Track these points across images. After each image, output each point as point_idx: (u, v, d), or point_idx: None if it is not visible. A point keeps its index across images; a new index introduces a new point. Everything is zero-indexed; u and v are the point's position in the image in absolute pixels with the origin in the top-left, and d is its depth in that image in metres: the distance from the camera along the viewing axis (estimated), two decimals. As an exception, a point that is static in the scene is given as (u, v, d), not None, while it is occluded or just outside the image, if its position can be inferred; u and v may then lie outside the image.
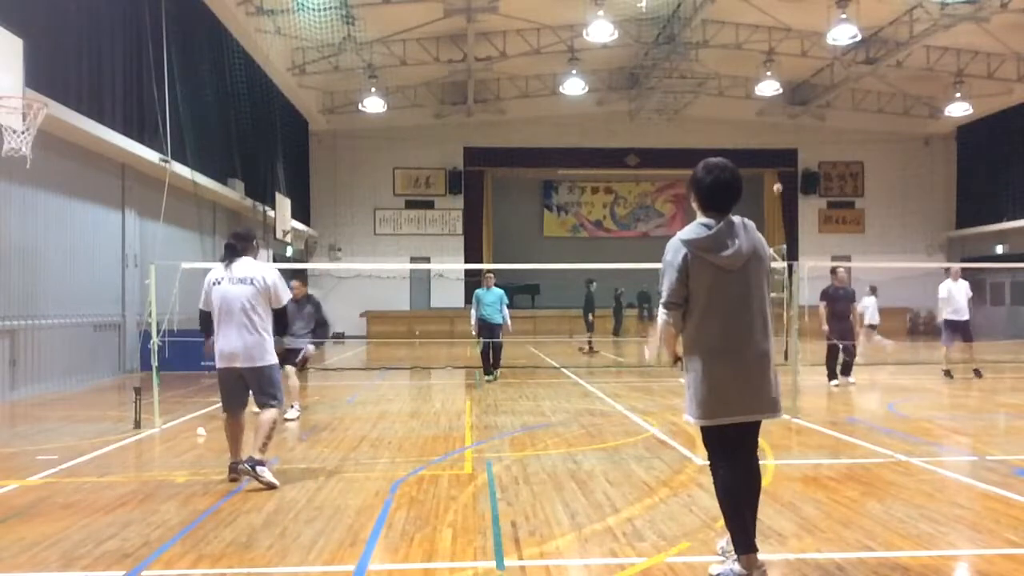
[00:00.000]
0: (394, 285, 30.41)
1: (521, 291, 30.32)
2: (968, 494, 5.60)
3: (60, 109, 11.60)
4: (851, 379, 12.34)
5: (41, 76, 11.09)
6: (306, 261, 29.45)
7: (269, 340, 6.14)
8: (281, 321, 6.33)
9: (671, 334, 3.93)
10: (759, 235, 3.99)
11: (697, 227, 3.89)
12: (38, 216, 12.49)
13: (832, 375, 12.43)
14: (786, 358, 15.67)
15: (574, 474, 6.30)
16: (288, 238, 24.23)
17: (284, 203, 23.85)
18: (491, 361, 13.58)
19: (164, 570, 4.15)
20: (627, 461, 6.66)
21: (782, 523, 4.89)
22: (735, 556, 3.83)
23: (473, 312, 13.58)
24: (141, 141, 14.83)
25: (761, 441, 7.56)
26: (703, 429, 3.96)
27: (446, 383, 13.87)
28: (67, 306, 13.18)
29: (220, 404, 6.35)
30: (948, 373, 13.57)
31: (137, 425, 8.55)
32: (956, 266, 14.53)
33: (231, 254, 6.21)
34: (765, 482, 5.96)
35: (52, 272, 12.79)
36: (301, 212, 27.42)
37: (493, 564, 4.18)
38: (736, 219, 3.93)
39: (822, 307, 12.41)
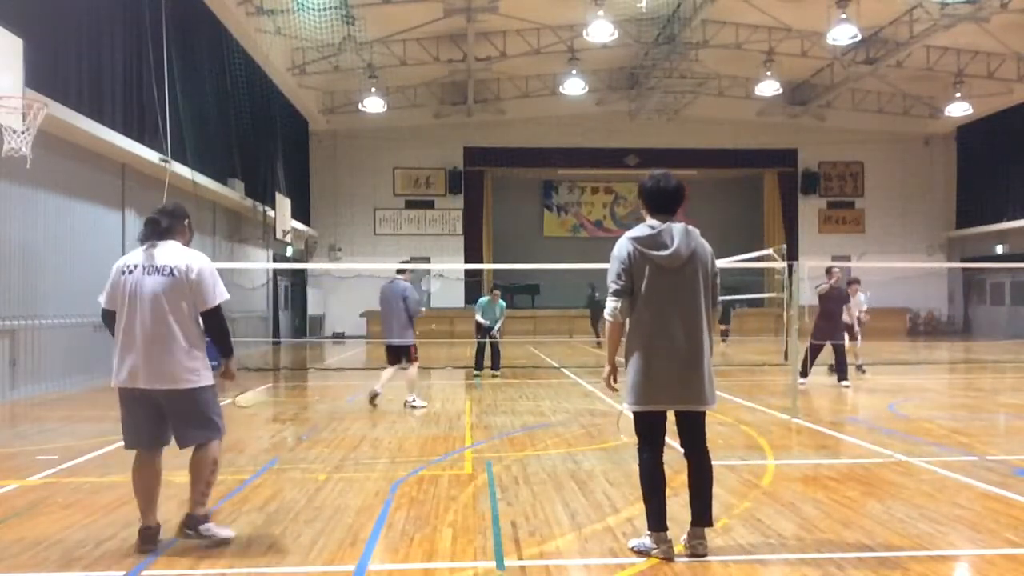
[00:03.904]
0: (394, 285, 30.35)
1: (521, 291, 30.34)
2: (968, 494, 5.60)
3: (60, 109, 11.61)
4: (847, 383, 12.09)
5: (41, 76, 11.09)
6: (306, 261, 29.47)
7: (197, 353, 4.52)
8: (215, 329, 4.62)
9: (616, 330, 4.35)
10: (703, 241, 4.40)
11: (643, 228, 4.36)
12: (38, 216, 12.49)
13: (804, 373, 12.05)
14: (786, 358, 15.70)
15: (574, 474, 6.30)
16: (288, 238, 24.24)
17: (284, 203, 23.86)
18: (492, 362, 14.70)
19: (164, 570, 4.15)
20: (627, 461, 6.64)
21: (782, 523, 4.89)
22: (648, 532, 4.32)
23: (478, 316, 14.75)
24: (141, 141, 14.83)
25: (761, 441, 7.63)
26: (635, 415, 4.36)
27: (446, 383, 13.87)
28: (67, 306, 13.17)
29: (124, 441, 4.68)
30: (860, 368, 14.20)
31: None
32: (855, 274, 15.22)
33: (153, 233, 4.58)
34: (765, 482, 5.99)
35: (52, 272, 12.79)
36: (301, 212, 27.43)
37: (493, 564, 4.18)
38: (680, 224, 4.35)
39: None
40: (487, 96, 28.83)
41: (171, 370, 4.43)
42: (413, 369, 10.55)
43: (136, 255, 4.59)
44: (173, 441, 4.69)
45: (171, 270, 4.49)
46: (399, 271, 10.74)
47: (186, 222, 4.77)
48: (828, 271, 12.63)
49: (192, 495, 4.58)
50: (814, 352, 12.23)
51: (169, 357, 4.43)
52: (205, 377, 4.56)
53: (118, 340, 4.52)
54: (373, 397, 10.36)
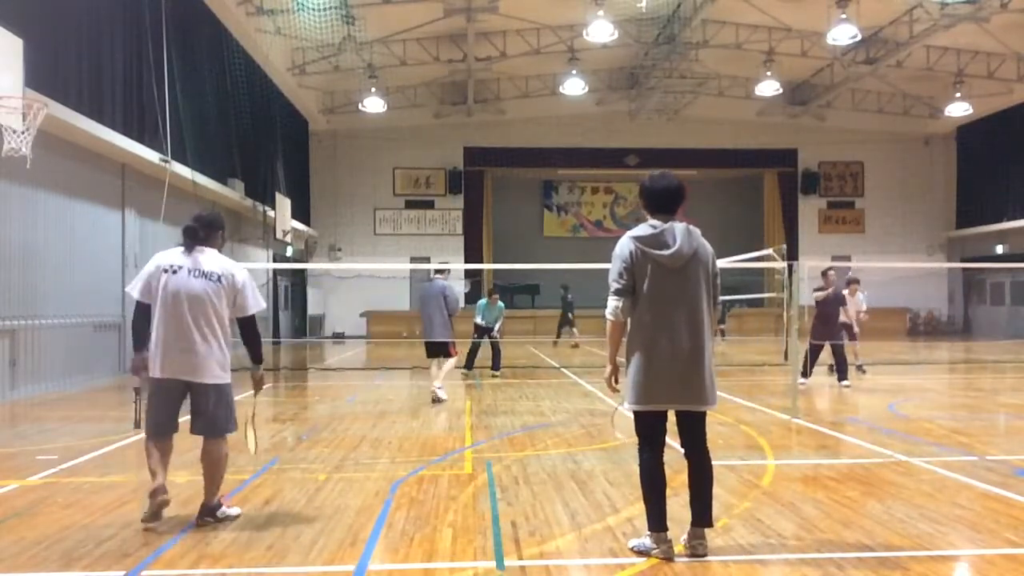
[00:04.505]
0: (394, 285, 30.42)
1: (521, 291, 30.36)
2: (968, 494, 5.60)
3: (60, 109, 11.60)
4: (847, 383, 12.11)
5: (41, 76, 11.08)
6: (306, 261, 29.47)
7: (227, 353, 4.97)
8: (250, 334, 5.11)
9: (617, 328, 4.33)
10: (704, 241, 4.40)
11: (645, 227, 4.35)
12: (38, 216, 12.49)
13: (805, 373, 12.01)
14: (786, 358, 15.69)
15: (574, 474, 6.30)
16: (288, 238, 24.24)
17: (284, 203, 23.86)
18: (492, 363, 14.70)
19: (164, 570, 4.15)
20: (627, 461, 6.64)
21: (782, 523, 4.89)
22: (648, 532, 4.32)
23: (477, 318, 14.82)
24: (141, 141, 14.83)
25: (761, 441, 7.63)
26: (636, 415, 4.35)
27: (446, 383, 13.84)
28: (67, 306, 13.18)
29: (145, 427, 5.11)
30: (860, 368, 14.14)
31: (137, 425, 8.53)
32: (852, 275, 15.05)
33: (193, 239, 5.00)
34: (765, 482, 5.99)
35: (52, 272, 12.79)
36: (301, 212, 27.43)
37: (493, 564, 4.18)
38: (681, 224, 4.34)
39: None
40: (487, 96, 28.83)
41: (209, 366, 4.86)
42: (451, 362, 11.17)
43: (177, 257, 4.96)
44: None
45: (219, 277, 4.93)
46: (437, 271, 11.34)
47: (221, 233, 5.20)
48: (824, 274, 12.59)
49: (207, 487, 4.98)
50: (814, 353, 12.23)
51: (209, 353, 4.85)
52: (229, 375, 5.01)
53: (159, 334, 4.85)
54: (435, 399, 10.84)
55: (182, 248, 4.99)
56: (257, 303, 5.07)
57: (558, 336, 24.49)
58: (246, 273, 5.08)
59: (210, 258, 4.99)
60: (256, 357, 5.19)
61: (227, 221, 20.01)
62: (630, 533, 4.63)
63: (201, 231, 5.03)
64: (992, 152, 29.26)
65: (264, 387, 5.37)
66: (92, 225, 14.21)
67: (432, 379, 11.05)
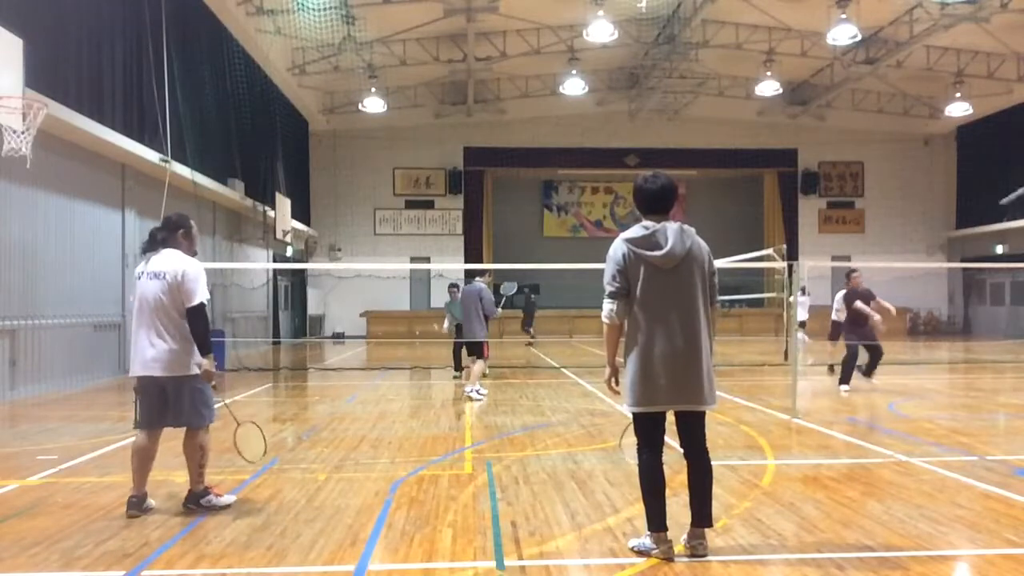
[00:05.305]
0: (394, 285, 30.41)
1: (521, 291, 30.32)
2: (968, 494, 5.60)
3: (60, 109, 11.61)
4: (873, 380, 11.93)
5: (41, 76, 11.09)
6: (306, 261, 29.46)
7: (189, 346, 5.17)
8: (197, 325, 5.15)
9: (613, 331, 4.35)
10: (700, 240, 4.38)
11: (638, 228, 4.33)
12: (38, 216, 12.49)
13: (846, 379, 11.75)
14: (786, 358, 15.69)
15: (574, 474, 6.30)
16: (288, 238, 24.24)
17: (284, 203, 23.86)
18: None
19: (164, 570, 4.15)
20: (627, 461, 6.64)
21: (782, 523, 4.89)
22: (648, 532, 4.32)
23: (447, 322, 15.30)
24: (141, 141, 14.83)
25: (761, 441, 7.62)
26: (634, 416, 4.36)
27: (446, 383, 13.86)
28: (67, 306, 13.18)
29: (135, 421, 5.45)
30: (832, 368, 13.93)
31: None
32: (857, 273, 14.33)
33: (151, 245, 5.33)
34: (765, 482, 5.99)
35: (52, 272, 12.79)
36: (301, 212, 27.43)
37: (493, 564, 4.18)
38: (674, 224, 4.31)
39: (858, 304, 11.87)
40: (487, 96, 28.83)
41: (168, 359, 5.14)
42: (480, 364, 11.42)
43: (141, 264, 5.36)
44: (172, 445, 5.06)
45: (164, 274, 5.20)
46: (478, 273, 12.02)
47: (180, 232, 5.38)
48: (848, 276, 12.31)
49: (190, 476, 5.31)
50: (866, 355, 11.89)
51: (167, 348, 5.14)
52: (196, 368, 5.22)
53: (134, 335, 5.28)
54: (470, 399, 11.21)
55: (144, 255, 5.36)
56: (199, 294, 5.18)
57: (532, 335, 25.26)
58: (194, 267, 5.24)
59: (163, 258, 5.26)
60: (202, 349, 5.19)
61: (227, 221, 19.95)
62: (630, 533, 4.63)
63: (159, 234, 5.34)
64: (992, 152, 29.25)
65: (215, 382, 5.33)
66: (92, 225, 14.20)
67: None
